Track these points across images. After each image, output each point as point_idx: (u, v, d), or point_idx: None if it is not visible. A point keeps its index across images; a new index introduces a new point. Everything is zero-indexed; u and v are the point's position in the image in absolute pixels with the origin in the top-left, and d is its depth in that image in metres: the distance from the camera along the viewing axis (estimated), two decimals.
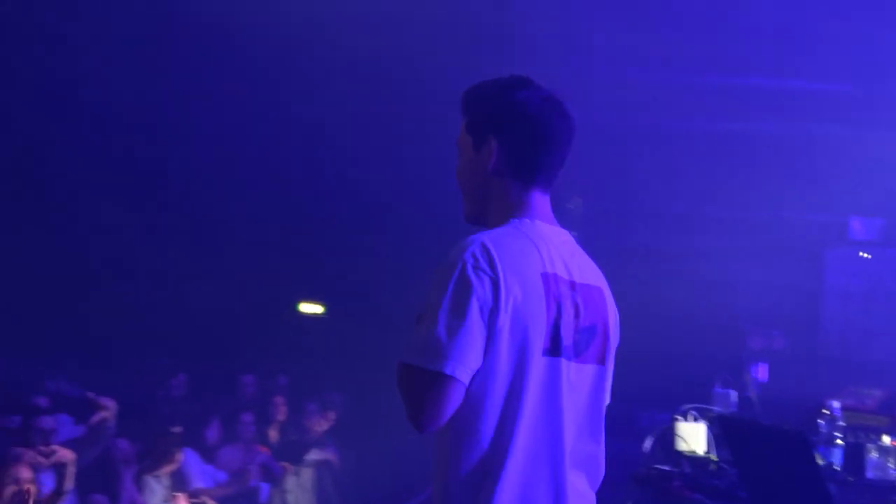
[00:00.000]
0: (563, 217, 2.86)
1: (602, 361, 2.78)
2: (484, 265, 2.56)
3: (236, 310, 12.10)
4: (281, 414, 10.37)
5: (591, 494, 2.77)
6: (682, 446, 5.73)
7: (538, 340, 2.61)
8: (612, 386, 2.86)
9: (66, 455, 6.48)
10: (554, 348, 2.64)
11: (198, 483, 8.81)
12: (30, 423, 6.79)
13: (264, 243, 12.23)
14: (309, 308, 13.41)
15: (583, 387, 2.72)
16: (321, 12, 10.28)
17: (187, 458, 8.67)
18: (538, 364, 2.61)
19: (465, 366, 2.53)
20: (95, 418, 7.24)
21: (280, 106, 11.58)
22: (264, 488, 9.34)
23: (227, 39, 10.65)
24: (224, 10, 10.26)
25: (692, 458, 5.66)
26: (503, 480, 2.57)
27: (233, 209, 12.43)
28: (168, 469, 8.11)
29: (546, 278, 2.65)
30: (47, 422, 6.85)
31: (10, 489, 5.83)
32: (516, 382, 2.59)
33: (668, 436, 5.83)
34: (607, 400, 2.84)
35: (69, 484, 6.45)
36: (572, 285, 2.71)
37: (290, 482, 9.94)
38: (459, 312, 2.52)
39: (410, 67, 10.53)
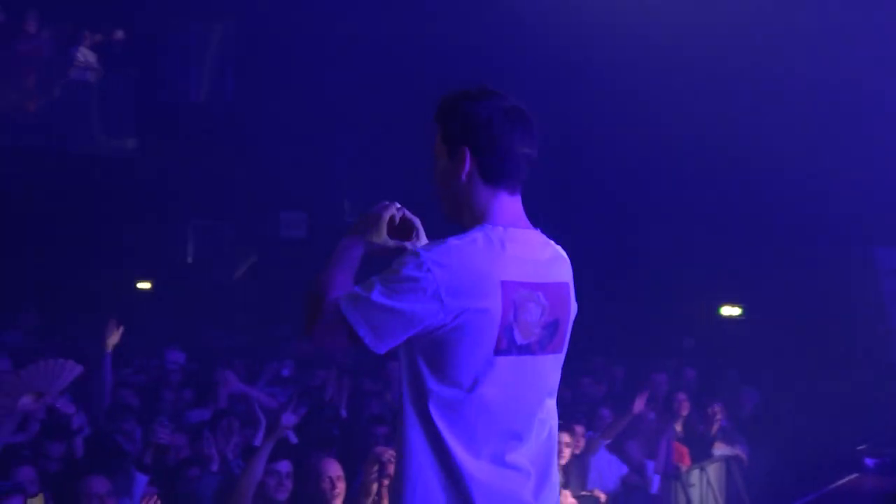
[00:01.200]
0: None
1: (559, 349, 3.04)
2: (438, 274, 2.79)
3: (659, 307, 12.44)
4: (685, 409, 10.44)
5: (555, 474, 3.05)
6: None
7: (490, 342, 2.84)
8: None
9: None
10: (508, 348, 2.87)
11: (599, 478, 9.07)
12: None
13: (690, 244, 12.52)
14: (729, 311, 13.42)
15: (541, 375, 2.99)
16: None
17: (596, 456, 8.97)
18: (493, 363, 2.85)
19: (386, 345, 2.83)
20: None
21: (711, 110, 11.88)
22: (656, 480, 9.44)
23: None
24: None
25: None
26: (467, 474, 2.84)
27: (660, 205, 12.86)
28: (562, 462, 8.32)
29: (504, 285, 2.85)
30: None
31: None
32: (471, 381, 2.85)
33: None
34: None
35: None
36: (537, 286, 2.94)
37: (695, 476, 9.99)
38: (394, 304, 2.79)
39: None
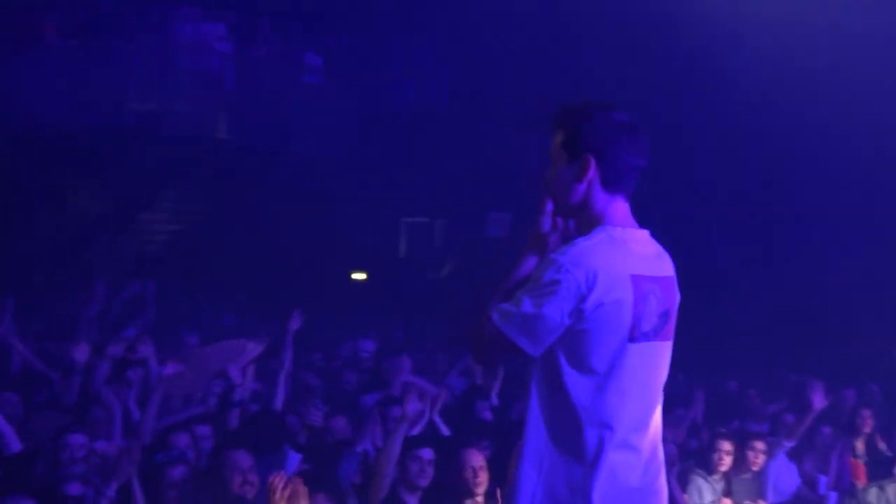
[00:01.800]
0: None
1: (669, 337, 3.30)
2: (577, 274, 3.05)
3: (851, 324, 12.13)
4: (868, 426, 10.12)
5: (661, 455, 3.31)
6: None
7: (625, 330, 3.12)
8: None
9: None
10: (638, 335, 3.14)
11: (774, 489, 8.90)
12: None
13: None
14: None
15: (659, 361, 3.27)
16: None
17: (775, 463, 8.78)
18: (625, 350, 3.13)
19: (539, 346, 3.11)
20: None
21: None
22: (833, 497, 9.23)
23: None
24: None
25: None
26: (594, 456, 3.10)
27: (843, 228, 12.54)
28: (722, 469, 8.20)
29: (634, 279, 3.13)
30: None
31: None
32: (607, 367, 3.11)
33: None
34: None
35: None
36: (654, 280, 3.20)
37: (872, 495, 9.68)
38: (541, 307, 3.06)
39: None
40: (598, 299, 3.04)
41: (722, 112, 13.26)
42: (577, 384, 3.09)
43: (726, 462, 8.16)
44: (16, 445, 5.89)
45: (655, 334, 3.20)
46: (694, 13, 11.98)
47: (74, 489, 5.27)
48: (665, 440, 3.38)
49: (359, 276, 16.06)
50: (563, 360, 3.10)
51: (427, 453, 6.21)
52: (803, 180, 13.34)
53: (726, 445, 8.18)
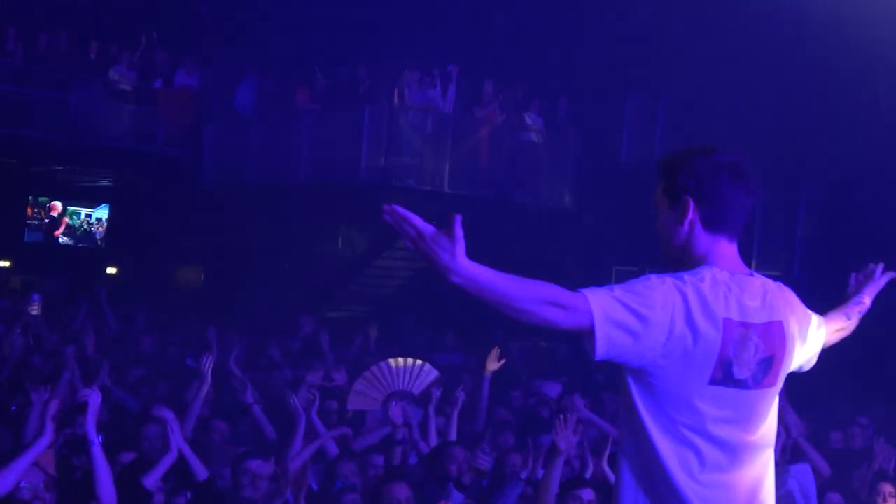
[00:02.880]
0: None
1: (773, 384, 3.18)
2: (675, 299, 2.98)
3: None
4: None
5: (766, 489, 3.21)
6: None
7: (707, 371, 3.02)
8: None
9: None
10: (725, 378, 3.05)
11: None
12: None
13: None
14: None
15: (759, 406, 3.16)
16: None
17: None
18: (705, 392, 3.04)
19: (608, 350, 2.94)
20: None
21: None
22: None
23: None
24: None
25: None
26: (676, 486, 3.06)
27: None
28: None
29: (727, 322, 3.03)
30: None
31: None
32: (684, 403, 3.04)
33: None
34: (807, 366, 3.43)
35: None
36: (750, 326, 3.08)
37: None
38: (643, 306, 2.93)
39: None
40: (685, 331, 2.96)
41: None
42: (655, 422, 3.03)
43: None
44: (202, 473, 6.17)
45: (755, 382, 3.10)
46: None
47: None
48: None
49: None
50: (643, 398, 3.04)
51: (587, 494, 6.06)
52: None
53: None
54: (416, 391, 8.36)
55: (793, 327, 3.24)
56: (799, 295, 3.36)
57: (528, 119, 17.52)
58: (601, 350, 2.90)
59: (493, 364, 9.39)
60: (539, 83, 17.71)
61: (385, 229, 12.20)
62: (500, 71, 17.50)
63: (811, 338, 3.41)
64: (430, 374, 8.42)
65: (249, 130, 18.48)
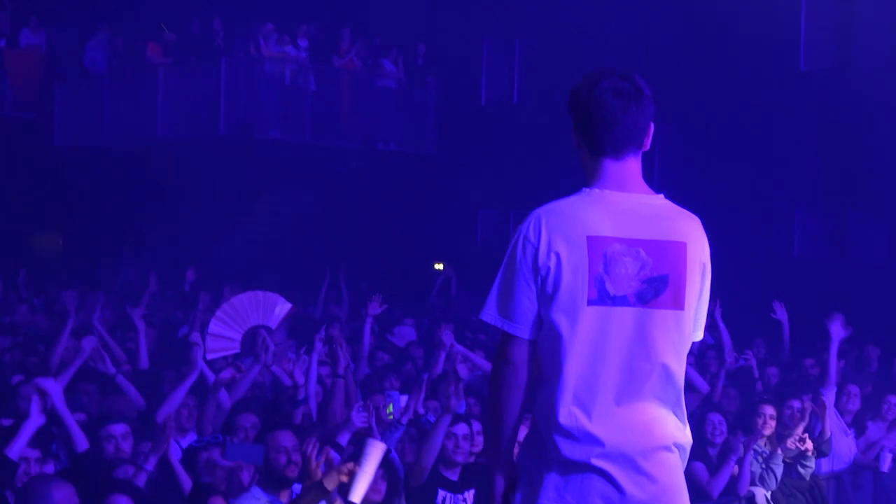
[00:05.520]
0: None
1: (673, 306, 3.06)
2: (531, 236, 3.02)
3: None
4: None
5: (660, 423, 3.05)
6: None
7: (582, 292, 2.98)
8: None
9: None
10: (601, 298, 2.99)
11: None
12: None
13: None
14: None
15: (655, 328, 3.03)
16: None
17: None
18: (584, 312, 2.99)
19: (521, 323, 3.05)
20: None
21: None
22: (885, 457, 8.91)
23: None
24: None
25: None
26: (572, 408, 2.97)
27: None
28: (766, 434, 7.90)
29: (592, 240, 3.00)
30: None
31: None
32: (566, 329, 2.98)
33: None
34: (697, 336, 3.19)
35: None
36: (629, 242, 3.02)
37: None
38: (510, 281, 3.04)
39: None
40: (546, 260, 2.98)
41: None
42: (543, 345, 3.03)
43: (770, 427, 7.49)
44: (82, 444, 5.80)
45: (641, 300, 3.01)
46: None
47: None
48: None
49: (438, 266, 16.44)
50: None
51: (461, 429, 6.15)
52: None
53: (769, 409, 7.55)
54: (273, 325, 8.03)
55: (696, 256, 3.11)
56: None
57: (387, 66, 16.99)
58: (523, 334, 3.05)
59: (374, 309, 9.29)
60: (396, 31, 17.16)
61: (249, 184, 11.49)
62: (357, 19, 16.90)
63: (703, 297, 3.18)
64: (284, 307, 8.11)
65: (101, 89, 17.42)
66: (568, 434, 2.98)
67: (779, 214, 13.92)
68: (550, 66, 15.24)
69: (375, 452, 4.62)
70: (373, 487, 5.34)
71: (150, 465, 5.40)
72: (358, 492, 4.61)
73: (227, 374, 6.74)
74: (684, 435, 3.11)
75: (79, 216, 18.08)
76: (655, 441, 3.04)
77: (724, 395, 8.81)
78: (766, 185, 13.76)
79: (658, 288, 3.03)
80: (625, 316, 3.01)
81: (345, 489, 4.66)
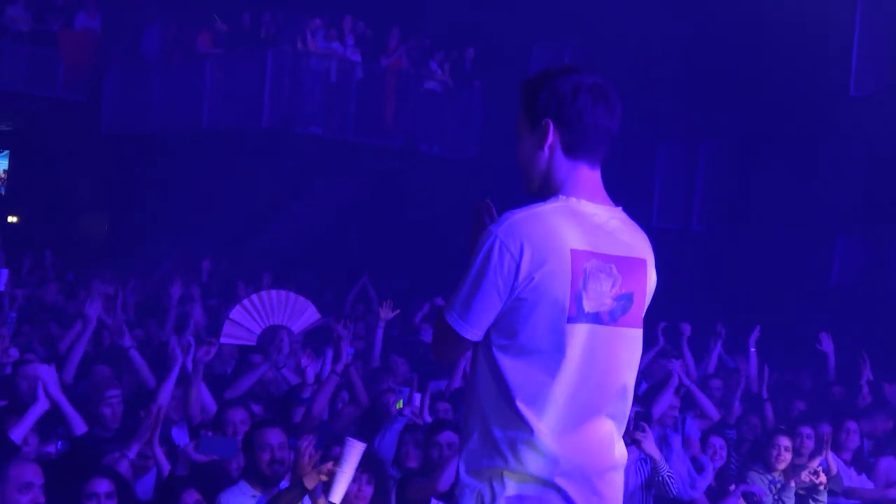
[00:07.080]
0: None
1: (636, 324, 2.93)
2: (512, 248, 2.76)
3: None
4: None
5: (613, 442, 2.93)
6: None
7: (563, 308, 2.78)
8: None
9: None
10: (578, 315, 2.79)
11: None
12: None
13: None
14: None
15: (622, 347, 2.89)
16: None
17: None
18: (563, 329, 2.79)
19: (475, 328, 2.84)
20: None
21: None
22: None
23: None
24: None
25: None
26: (539, 425, 2.79)
27: None
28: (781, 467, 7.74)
29: (575, 254, 2.78)
30: None
31: None
32: (543, 345, 2.79)
33: None
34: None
35: None
36: (604, 258, 2.83)
37: None
38: (477, 285, 2.79)
39: None
40: (529, 273, 2.75)
41: None
42: (514, 358, 2.80)
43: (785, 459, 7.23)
44: (80, 427, 5.66)
45: (611, 318, 2.85)
46: None
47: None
48: None
49: None
50: (492, 336, 2.83)
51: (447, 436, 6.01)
52: None
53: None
54: (296, 329, 7.91)
55: (651, 274, 2.98)
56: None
57: (434, 68, 16.82)
58: (473, 336, 2.87)
59: (386, 313, 9.07)
60: (446, 32, 16.98)
61: (288, 178, 11.41)
62: (406, 19, 16.75)
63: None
64: (312, 315, 7.99)
65: (151, 76, 17.45)
66: (535, 449, 2.81)
67: (819, 240, 13.56)
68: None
69: (355, 452, 4.55)
70: (357, 493, 5.24)
71: (133, 452, 5.35)
72: (338, 492, 4.57)
73: (203, 352, 6.53)
74: (625, 453, 3.02)
75: (123, 200, 18.17)
76: (609, 461, 2.93)
77: (743, 422, 8.52)
78: (808, 209, 13.43)
79: (625, 306, 2.90)
80: (597, 334, 2.85)
81: (326, 488, 4.59)
